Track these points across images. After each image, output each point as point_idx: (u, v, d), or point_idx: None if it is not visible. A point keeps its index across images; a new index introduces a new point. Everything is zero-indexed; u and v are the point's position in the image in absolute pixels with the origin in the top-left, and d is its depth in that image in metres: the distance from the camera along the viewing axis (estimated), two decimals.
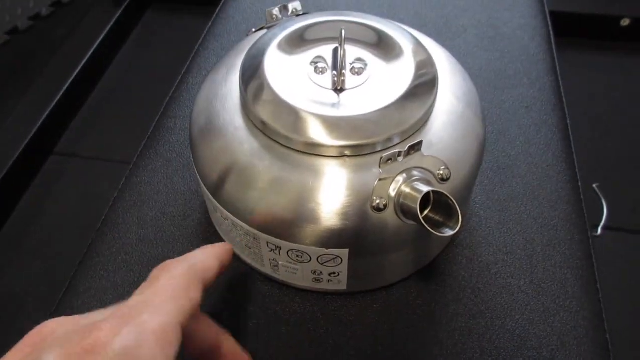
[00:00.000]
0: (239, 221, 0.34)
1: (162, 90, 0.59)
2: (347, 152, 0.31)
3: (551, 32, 0.59)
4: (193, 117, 0.38)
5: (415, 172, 0.31)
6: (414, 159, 0.31)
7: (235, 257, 0.41)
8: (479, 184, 0.45)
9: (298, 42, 0.36)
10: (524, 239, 0.42)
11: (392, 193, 0.31)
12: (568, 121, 0.50)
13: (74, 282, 0.41)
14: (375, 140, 0.31)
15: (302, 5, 0.41)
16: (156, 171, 0.47)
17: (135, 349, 0.20)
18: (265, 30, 0.40)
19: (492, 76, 0.54)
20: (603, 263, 0.96)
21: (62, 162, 1.24)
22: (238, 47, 0.40)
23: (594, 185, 1.09)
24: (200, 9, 1.19)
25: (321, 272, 0.35)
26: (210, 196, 0.35)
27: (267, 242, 0.34)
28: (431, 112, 0.33)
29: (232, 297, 0.39)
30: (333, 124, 0.31)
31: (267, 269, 0.38)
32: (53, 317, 0.23)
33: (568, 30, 1.32)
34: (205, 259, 0.27)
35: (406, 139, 0.32)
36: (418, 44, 0.36)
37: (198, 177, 0.37)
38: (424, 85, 0.33)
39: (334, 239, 0.32)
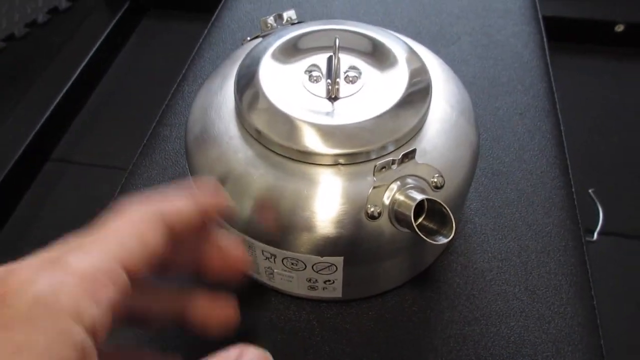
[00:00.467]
0: (234, 229, 0.34)
1: (158, 96, 0.59)
2: (341, 160, 0.31)
3: (545, 39, 0.59)
4: (188, 125, 0.38)
5: (409, 180, 0.31)
6: (408, 167, 0.31)
7: None
8: (474, 190, 0.45)
9: (292, 50, 0.37)
10: (518, 245, 0.42)
11: (386, 201, 0.31)
12: (562, 127, 0.51)
13: None
14: (370, 149, 0.31)
15: (297, 14, 0.42)
16: (152, 179, 0.47)
17: (51, 295, 0.17)
18: (260, 39, 0.40)
19: (486, 83, 0.54)
20: (599, 268, 0.96)
21: (59, 168, 1.24)
22: (233, 55, 0.40)
23: (590, 191, 1.09)
24: (196, 15, 1.20)
25: (316, 280, 0.35)
26: None
27: (262, 250, 0.34)
28: (425, 120, 0.34)
29: None
30: (327, 133, 0.31)
31: (262, 277, 0.38)
32: None
33: (563, 36, 1.33)
34: (177, 198, 0.23)
35: (400, 147, 0.32)
36: (412, 52, 0.36)
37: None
38: (417, 94, 0.33)
39: (328, 246, 0.32)
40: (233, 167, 0.33)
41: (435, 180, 0.32)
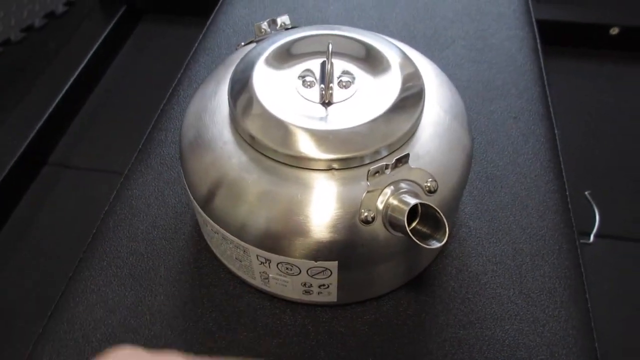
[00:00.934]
0: (228, 234, 0.34)
1: (155, 100, 0.59)
2: (335, 165, 0.31)
3: (538, 43, 0.60)
4: (182, 130, 0.38)
5: (402, 185, 0.31)
6: (401, 172, 0.31)
7: (225, 270, 0.41)
8: (468, 194, 0.45)
9: (286, 56, 0.37)
10: (512, 249, 0.42)
11: (380, 206, 0.31)
12: (556, 131, 0.51)
13: (65, 296, 0.41)
14: (363, 153, 0.31)
15: (292, 19, 0.42)
16: (147, 184, 0.47)
17: None
18: (254, 44, 0.40)
19: (481, 87, 0.54)
20: (595, 271, 0.96)
21: (55, 172, 1.23)
22: (227, 60, 0.41)
23: (586, 193, 1.09)
24: (192, 20, 1.20)
25: (311, 285, 0.35)
26: (200, 210, 0.35)
27: (257, 255, 0.34)
28: (418, 125, 0.34)
29: (222, 310, 0.39)
30: (321, 137, 0.31)
31: (257, 282, 0.38)
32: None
33: (557, 39, 1.33)
34: None
35: (393, 151, 0.32)
36: (405, 57, 0.36)
37: (188, 190, 0.37)
38: (410, 98, 0.34)
39: (323, 251, 0.32)
40: (227, 172, 0.33)
41: (429, 184, 0.32)
